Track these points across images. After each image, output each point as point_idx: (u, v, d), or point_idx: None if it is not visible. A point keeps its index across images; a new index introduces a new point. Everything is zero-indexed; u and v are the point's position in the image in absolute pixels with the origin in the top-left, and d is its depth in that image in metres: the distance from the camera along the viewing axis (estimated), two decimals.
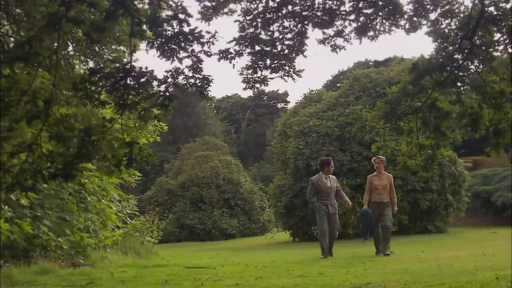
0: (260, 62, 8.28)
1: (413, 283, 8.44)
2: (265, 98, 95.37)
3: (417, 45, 79.80)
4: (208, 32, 7.24)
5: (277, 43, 8.42)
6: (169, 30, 6.96)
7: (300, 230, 30.15)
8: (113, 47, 11.86)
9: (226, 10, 8.40)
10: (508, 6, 8.16)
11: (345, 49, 9.04)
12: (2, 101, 6.40)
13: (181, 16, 6.81)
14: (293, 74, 8.73)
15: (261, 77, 8.60)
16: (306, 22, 8.57)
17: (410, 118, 9.26)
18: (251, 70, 8.45)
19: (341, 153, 28.38)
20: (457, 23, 8.70)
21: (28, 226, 10.99)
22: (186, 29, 7.12)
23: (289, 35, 8.57)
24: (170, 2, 6.83)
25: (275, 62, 8.58)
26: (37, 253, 11.56)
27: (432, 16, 8.81)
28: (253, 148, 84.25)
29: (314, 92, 34.58)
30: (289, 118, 32.78)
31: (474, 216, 34.75)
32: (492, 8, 8.28)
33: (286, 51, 8.42)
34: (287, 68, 8.67)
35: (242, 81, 8.80)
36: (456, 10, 8.73)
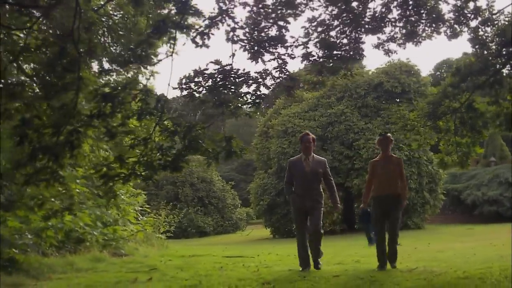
0: (325, 64, 8.94)
1: (455, 268, 8.96)
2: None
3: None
4: (292, 37, 7.97)
5: (338, 47, 9.11)
6: (262, 36, 7.65)
7: (281, 228, 30.94)
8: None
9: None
10: None
11: (396, 53, 9.84)
12: (117, 99, 7.00)
13: (281, 23, 7.51)
14: (349, 76, 9.46)
15: (321, 79, 9.28)
16: (359, 28, 9.30)
17: (448, 118, 10.09)
18: (315, 72, 9.10)
19: (323, 152, 29.22)
20: (496, 30, 9.53)
21: (88, 218, 11.46)
22: (272, 33, 7.84)
23: (345, 40, 9.30)
24: (269, 10, 7.50)
25: (332, 64, 9.25)
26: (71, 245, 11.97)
27: (473, 23, 9.61)
28: None
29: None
30: (270, 118, 33.50)
31: (443, 213, 35.91)
32: None
33: (350, 54, 9.10)
34: (343, 70, 9.36)
35: (302, 82, 9.48)
36: (496, 20, 9.56)
